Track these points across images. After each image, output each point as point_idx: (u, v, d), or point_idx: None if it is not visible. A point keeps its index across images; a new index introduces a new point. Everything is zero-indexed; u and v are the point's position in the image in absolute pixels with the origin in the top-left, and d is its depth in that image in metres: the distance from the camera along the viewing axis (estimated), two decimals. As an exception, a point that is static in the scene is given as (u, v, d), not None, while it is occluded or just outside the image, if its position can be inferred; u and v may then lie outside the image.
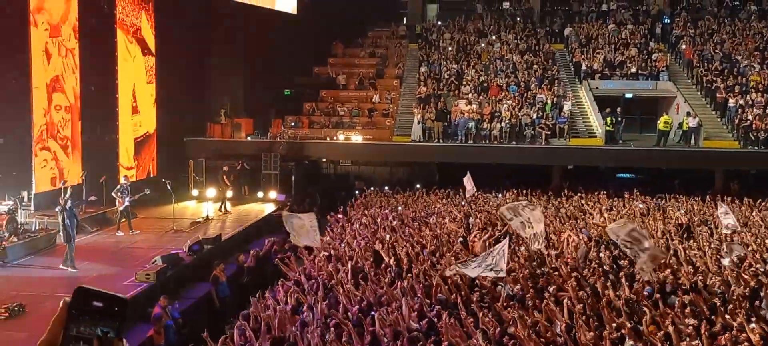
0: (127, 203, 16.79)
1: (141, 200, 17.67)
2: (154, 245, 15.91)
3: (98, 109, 19.79)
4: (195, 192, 22.00)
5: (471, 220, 17.22)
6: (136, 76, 21.69)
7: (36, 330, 9.70)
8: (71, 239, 13.41)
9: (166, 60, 22.80)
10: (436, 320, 9.18)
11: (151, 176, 22.36)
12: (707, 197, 20.93)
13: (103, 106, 19.96)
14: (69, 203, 13.63)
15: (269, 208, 21.33)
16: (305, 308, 10.05)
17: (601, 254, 13.58)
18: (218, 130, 25.07)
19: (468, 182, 19.23)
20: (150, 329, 9.87)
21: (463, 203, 20.38)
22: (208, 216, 19.08)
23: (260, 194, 22.31)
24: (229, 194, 21.21)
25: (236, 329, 8.82)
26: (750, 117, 23.94)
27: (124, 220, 16.97)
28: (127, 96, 21.12)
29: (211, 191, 22.18)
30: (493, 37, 32.06)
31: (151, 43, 22.47)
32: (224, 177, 21.21)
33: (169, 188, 18.10)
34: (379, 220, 17.12)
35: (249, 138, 25.37)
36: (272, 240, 15.38)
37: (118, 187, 17.18)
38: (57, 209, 13.74)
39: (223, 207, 20.50)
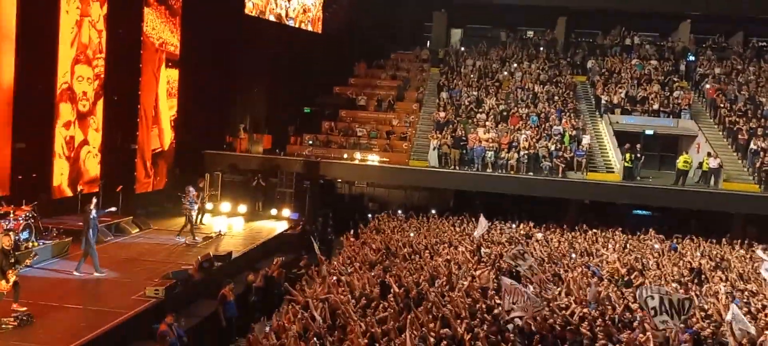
0: (193, 211, 18.21)
1: (152, 212, 17.92)
2: (165, 258, 16.04)
3: (120, 120, 20.14)
4: (209, 206, 22.11)
5: (483, 250, 17.14)
6: (159, 88, 22.00)
7: (42, 342, 9.81)
8: (91, 246, 13.81)
9: (190, 73, 23.13)
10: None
11: (167, 188, 22.61)
12: (723, 240, 20.67)
13: (124, 117, 20.29)
14: (94, 213, 13.95)
15: (282, 226, 21.39)
16: (311, 334, 10.04)
17: (612, 295, 13.45)
18: (237, 145, 25.29)
19: (481, 222, 19.06)
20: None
21: (475, 233, 20.29)
22: (220, 232, 19.17)
23: (274, 212, 22.40)
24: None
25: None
26: (772, 161, 23.60)
27: (187, 226, 18.08)
28: (148, 108, 21.42)
29: (226, 205, 22.36)
30: (515, 66, 32.02)
31: (176, 56, 22.80)
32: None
33: (182, 201, 18.29)
34: (390, 245, 17.09)
35: (266, 154, 25.51)
36: (281, 260, 15.40)
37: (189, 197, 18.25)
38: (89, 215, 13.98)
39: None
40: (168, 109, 22.69)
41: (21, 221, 14.29)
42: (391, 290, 12.45)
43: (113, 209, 16.52)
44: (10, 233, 12.04)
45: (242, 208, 22.31)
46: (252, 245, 18.21)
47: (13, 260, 10.83)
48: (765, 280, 14.85)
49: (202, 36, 23.16)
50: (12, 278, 10.77)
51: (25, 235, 14.40)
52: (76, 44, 18.16)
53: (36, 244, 14.55)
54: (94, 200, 14.85)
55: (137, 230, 18.63)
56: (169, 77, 22.54)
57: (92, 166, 19.29)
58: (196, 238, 17.96)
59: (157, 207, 21.61)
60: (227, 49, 24.81)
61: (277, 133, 26.98)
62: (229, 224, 20.82)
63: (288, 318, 10.88)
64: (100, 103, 19.40)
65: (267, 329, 10.00)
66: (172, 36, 22.44)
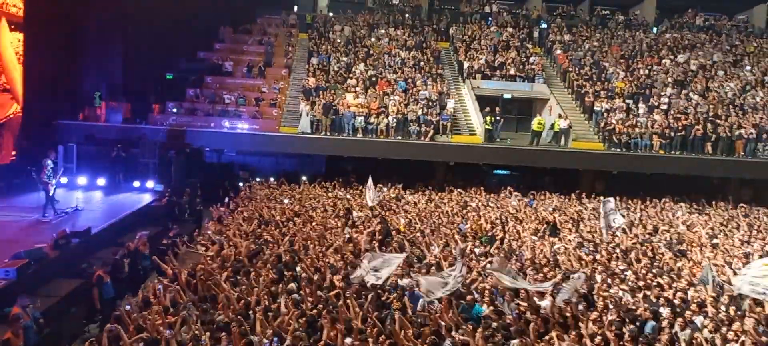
0: (51, 184, 16.71)
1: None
2: (15, 236, 14.81)
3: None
4: (64, 179, 20.57)
5: (354, 214, 17.48)
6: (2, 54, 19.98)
7: None
8: None
9: (37, 37, 21.13)
10: (317, 318, 9.27)
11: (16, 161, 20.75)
12: (572, 195, 22.58)
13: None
14: None
15: (146, 199, 20.42)
16: (180, 307, 9.80)
17: (476, 249, 14.31)
18: (92, 114, 23.63)
19: (369, 189, 19.25)
20: (7, 330, 9.21)
21: (348, 197, 20.63)
22: (77, 206, 17.97)
23: (136, 184, 21.29)
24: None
25: (105, 332, 8.43)
26: (613, 121, 25.92)
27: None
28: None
29: (82, 179, 20.96)
30: (382, 32, 32.47)
31: (20, 18, 20.72)
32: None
33: (34, 175, 16.91)
34: (263, 213, 16.96)
35: (126, 123, 24.08)
36: (145, 234, 14.78)
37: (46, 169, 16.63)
38: None
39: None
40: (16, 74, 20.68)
41: None
42: (264, 257, 12.43)
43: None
44: None
45: (101, 181, 21.01)
46: (113, 220, 17.24)
47: None
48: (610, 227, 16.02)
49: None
50: None
51: None
52: None
53: None
54: None
55: (-19, 208, 17.01)
56: (12, 40, 20.49)
57: None
58: (47, 213, 16.68)
59: (4, 183, 19.81)
60: (77, 10, 22.89)
61: (137, 101, 25.51)
62: (86, 198, 19.54)
63: (155, 292, 10.54)
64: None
65: (128, 307, 9.60)
66: (13, -5, 20.39)
